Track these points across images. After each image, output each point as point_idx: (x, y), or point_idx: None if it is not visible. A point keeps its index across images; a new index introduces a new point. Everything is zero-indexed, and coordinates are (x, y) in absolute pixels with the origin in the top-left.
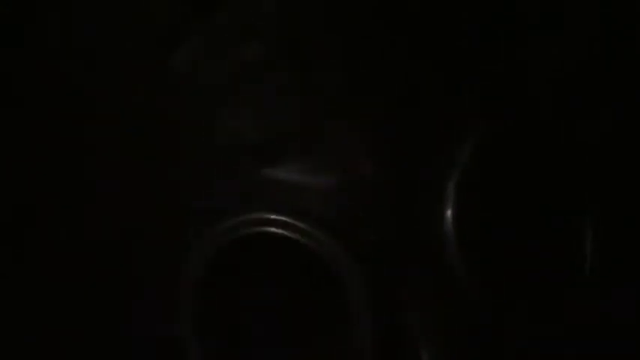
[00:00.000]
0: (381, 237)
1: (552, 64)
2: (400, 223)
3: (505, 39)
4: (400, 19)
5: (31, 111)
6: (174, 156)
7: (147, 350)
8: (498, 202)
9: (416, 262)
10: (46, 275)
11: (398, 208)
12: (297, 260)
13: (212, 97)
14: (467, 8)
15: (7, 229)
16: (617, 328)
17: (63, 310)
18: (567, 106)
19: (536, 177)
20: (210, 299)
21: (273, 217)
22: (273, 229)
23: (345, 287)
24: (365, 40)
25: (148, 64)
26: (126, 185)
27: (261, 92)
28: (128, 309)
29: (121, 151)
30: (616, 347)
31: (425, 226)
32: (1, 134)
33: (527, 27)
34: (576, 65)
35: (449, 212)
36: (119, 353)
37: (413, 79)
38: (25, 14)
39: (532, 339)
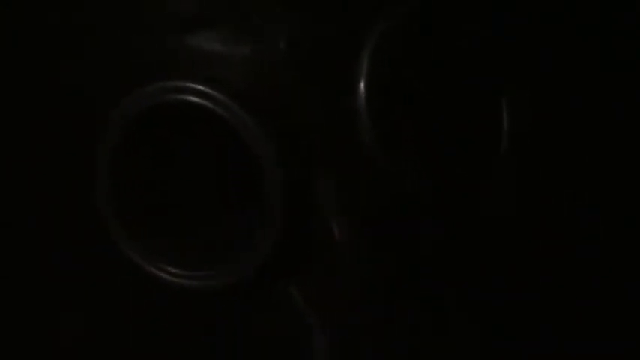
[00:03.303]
0: (294, 108)
1: None
2: (313, 94)
3: None
4: None
5: None
6: (92, 23)
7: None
8: (413, 76)
9: (329, 135)
10: None
11: (311, 80)
12: (212, 130)
13: None
14: None
15: None
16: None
17: None
18: None
19: (452, 53)
20: (127, 167)
21: (189, 85)
22: (189, 98)
23: (258, 158)
24: None
25: None
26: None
27: None
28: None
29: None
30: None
31: (337, 97)
32: None
33: None
34: None
35: (361, 84)
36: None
37: None
38: None
39: (441, 215)
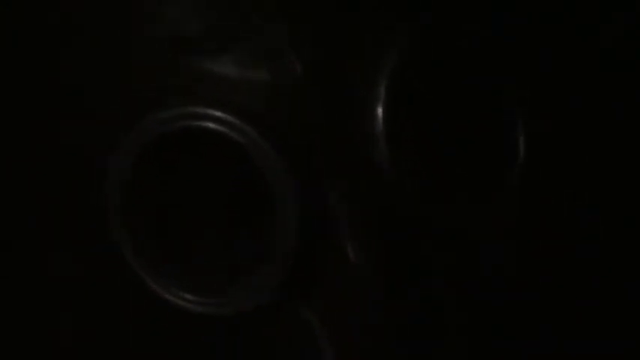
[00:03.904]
0: (310, 133)
1: None
2: (330, 119)
3: None
4: None
5: None
6: (107, 44)
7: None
8: (429, 101)
9: (344, 159)
10: None
11: (328, 105)
12: (226, 154)
13: None
14: None
15: None
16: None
17: None
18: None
19: (467, 77)
20: (139, 190)
21: (204, 111)
22: (206, 124)
23: (271, 182)
24: None
25: None
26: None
27: None
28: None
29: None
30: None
31: (355, 123)
32: None
33: None
34: None
35: (379, 110)
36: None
37: None
38: None
39: (456, 235)
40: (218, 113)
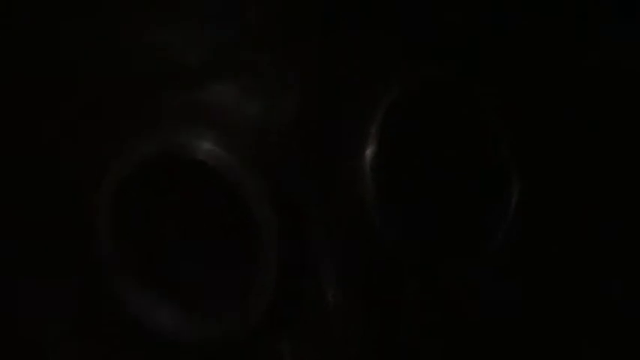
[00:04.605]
0: (296, 169)
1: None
2: (318, 157)
3: None
4: None
5: None
6: (100, 71)
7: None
8: (421, 146)
9: (330, 198)
10: None
11: (317, 143)
12: (213, 185)
13: (144, 12)
14: None
15: None
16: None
17: None
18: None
19: (460, 124)
20: (125, 220)
21: (193, 141)
22: (191, 155)
23: (256, 218)
24: None
25: None
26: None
27: (200, 8)
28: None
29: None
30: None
31: (343, 162)
32: None
33: None
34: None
35: (368, 151)
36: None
37: (343, 15)
38: None
39: (436, 286)
40: (207, 145)
